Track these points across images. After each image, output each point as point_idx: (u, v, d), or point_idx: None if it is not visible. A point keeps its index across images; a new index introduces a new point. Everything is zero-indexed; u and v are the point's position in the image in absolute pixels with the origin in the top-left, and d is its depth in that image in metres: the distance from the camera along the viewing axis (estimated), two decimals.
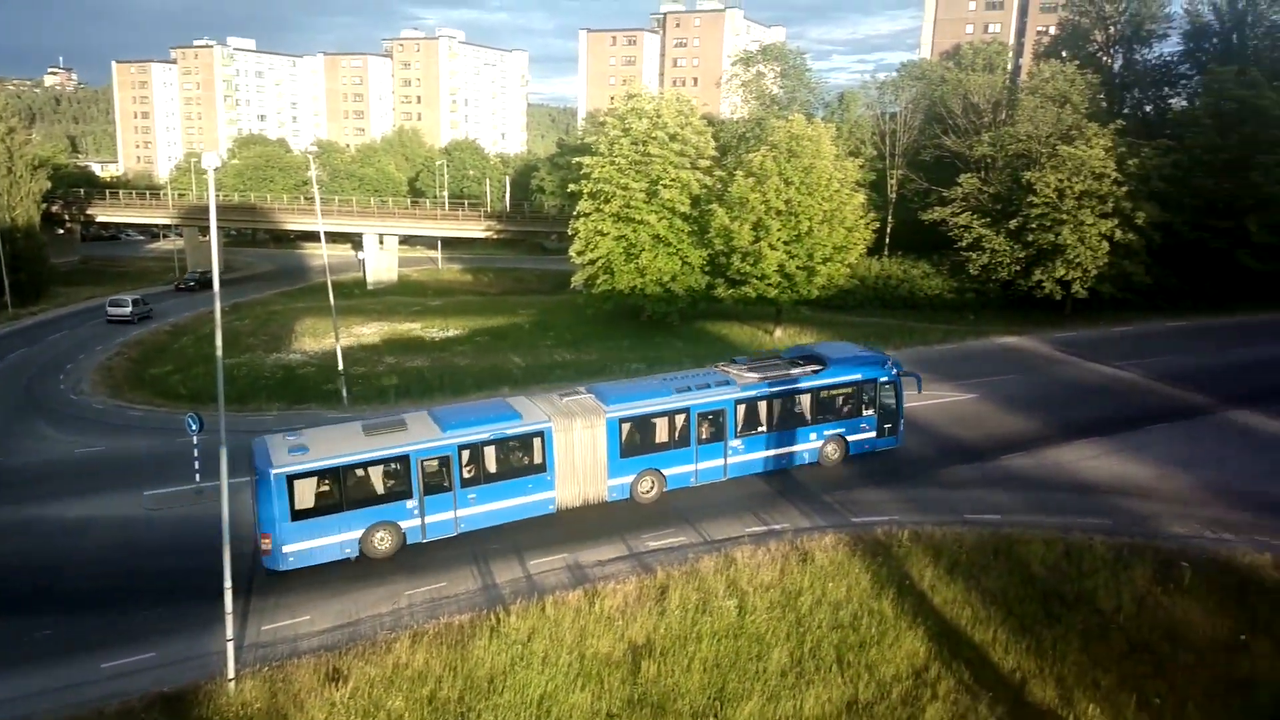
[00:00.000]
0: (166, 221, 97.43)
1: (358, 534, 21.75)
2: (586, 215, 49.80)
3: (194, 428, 25.94)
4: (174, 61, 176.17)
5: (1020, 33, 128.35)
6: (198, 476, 26.17)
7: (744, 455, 26.57)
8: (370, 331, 52.32)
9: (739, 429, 26.34)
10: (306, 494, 21.09)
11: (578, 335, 49.21)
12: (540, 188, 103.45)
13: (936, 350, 42.50)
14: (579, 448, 24.16)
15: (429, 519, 22.60)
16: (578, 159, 52.30)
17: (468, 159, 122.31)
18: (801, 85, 71.07)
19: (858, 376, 28.16)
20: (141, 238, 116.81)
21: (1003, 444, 28.92)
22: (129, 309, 60.97)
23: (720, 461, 26.29)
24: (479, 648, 17.01)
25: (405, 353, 45.56)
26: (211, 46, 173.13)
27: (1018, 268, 52.65)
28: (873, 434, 28.39)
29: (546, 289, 76.02)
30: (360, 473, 21.84)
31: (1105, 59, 74.27)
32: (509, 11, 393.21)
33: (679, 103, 51.51)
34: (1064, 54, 68.63)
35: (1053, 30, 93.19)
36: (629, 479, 25.07)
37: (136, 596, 19.97)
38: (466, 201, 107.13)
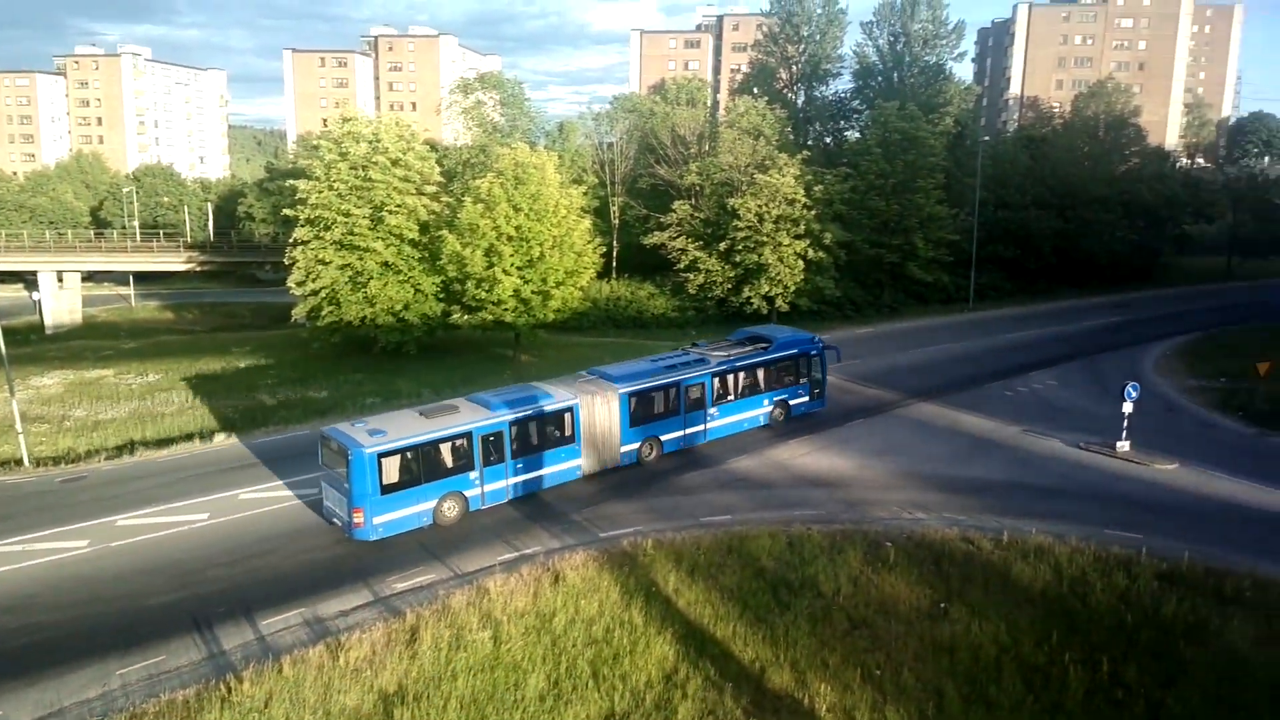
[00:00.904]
0: None
1: (432, 504, 24.53)
2: (305, 243, 46.93)
3: None
4: None
5: (716, 70, 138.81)
6: None
7: (719, 421, 31.50)
8: (52, 382, 45.70)
9: (714, 399, 31.23)
10: (392, 470, 23.61)
11: (303, 372, 46.02)
12: (249, 215, 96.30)
13: None
14: (598, 421, 27.95)
15: (487, 487, 25.66)
16: (291, 182, 49.25)
17: (161, 185, 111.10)
18: (522, 114, 72.01)
19: (795, 351, 33.86)
20: None
21: (729, 448, 30.82)
22: None
23: (702, 427, 31.06)
24: None
25: (98, 403, 40.25)
26: None
27: (730, 286, 56.74)
28: (806, 399, 34.31)
29: (263, 323, 70.65)
30: (434, 449, 24.56)
31: (790, 95, 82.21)
32: (202, 28, 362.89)
33: (399, 127, 50.08)
34: (755, 90, 75.17)
35: (744, 68, 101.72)
36: (635, 445, 29.22)
37: None
38: (162, 232, 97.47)
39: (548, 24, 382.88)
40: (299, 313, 49.49)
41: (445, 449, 24.75)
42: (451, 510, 24.84)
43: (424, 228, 47.65)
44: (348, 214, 45.92)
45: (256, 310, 77.96)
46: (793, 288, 54.47)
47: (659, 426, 29.77)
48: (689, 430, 30.63)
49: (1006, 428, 32.95)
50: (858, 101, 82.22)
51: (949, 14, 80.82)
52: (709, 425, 31.19)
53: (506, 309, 43.52)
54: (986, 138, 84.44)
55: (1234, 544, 22.42)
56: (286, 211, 48.67)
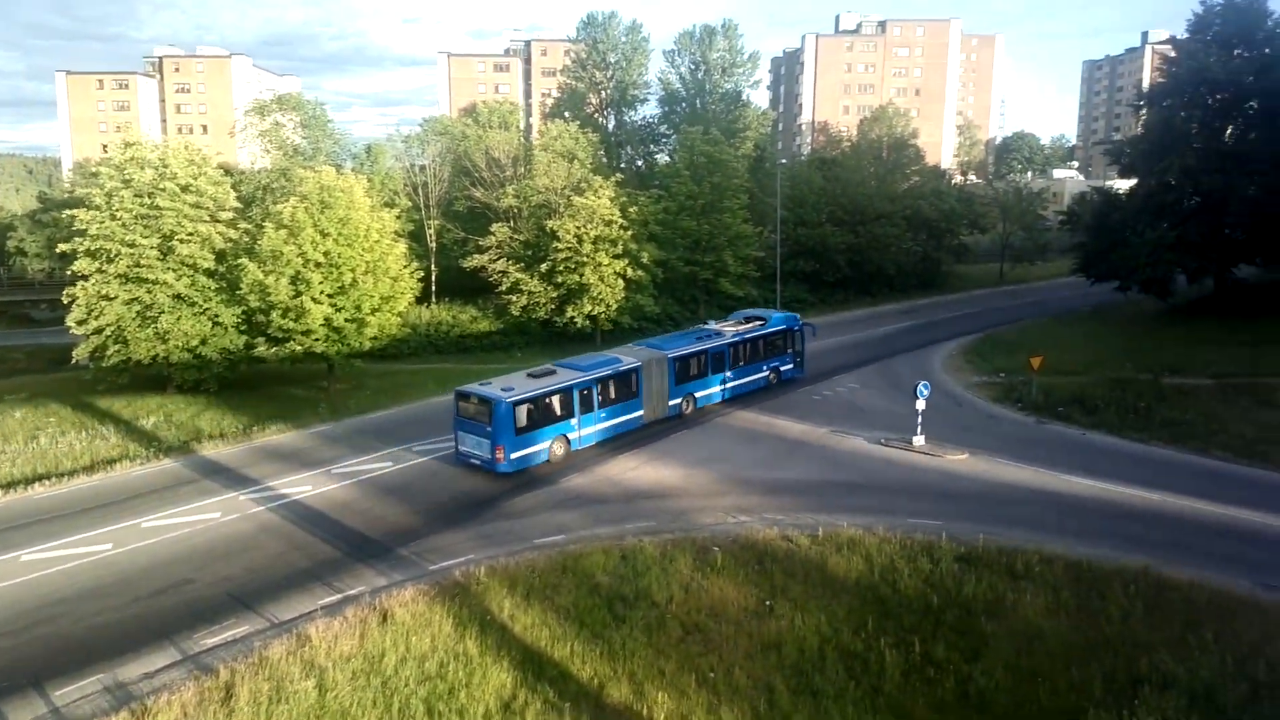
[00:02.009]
0: None
1: (547, 445, 30.76)
2: (86, 278, 42.87)
3: None
4: None
5: (527, 94, 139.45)
6: None
7: (733, 382, 38.70)
8: None
9: (730, 364, 38.27)
10: (522, 417, 29.69)
11: (89, 418, 41.87)
12: (21, 249, 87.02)
13: None
14: (654, 379, 34.77)
15: (583, 432, 32.06)
16: (69, 213, 44.88)
17: None
18: (325, 136, 69.18)
19: (784, 327, 41.35)
20: None
21: (561, 466, 30.75)
22: None
23: (720, 387, 38.14)
24: None
25: None
26: None
27: (553, 306, 56.79)
28: (792, 366, 41.99)
29: (41, 367, 63.71)
30: (548, 401, 30.79)
31: (601, 120, 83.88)
32: None
33: (189, 151, 46.74)
34: (567, 114, 76.05)
35: (555, 93, 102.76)
36: (678, 401, 36.17)
37: None
38: None
39: (348, 45, 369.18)
40: (81, 353, 45.02)
41: (555, 400, 30.98)
42: (559, 449, 31.14)
43: (220, 256, 44.73)
44: (133, 244, 42.35)
45: (33, 353, 70.16)
46: (614, 306, 55.23)
47: (693, 386, 36.81)
48: (713, 389, 37.71)
49: (817, 429, 34.73)
50: (665, 126, 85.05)
51: (744, 44, 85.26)
52: (727, 385, 38.32)
53: (317, 339, 41.50)
54: (784, 160, 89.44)
55: (1021, 524, 24.58)
56: (62, 247, 44.26)
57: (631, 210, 56.17)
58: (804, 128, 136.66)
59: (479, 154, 66.75)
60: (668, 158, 79.07)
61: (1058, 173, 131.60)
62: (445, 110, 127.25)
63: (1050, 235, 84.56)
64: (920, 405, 32.03)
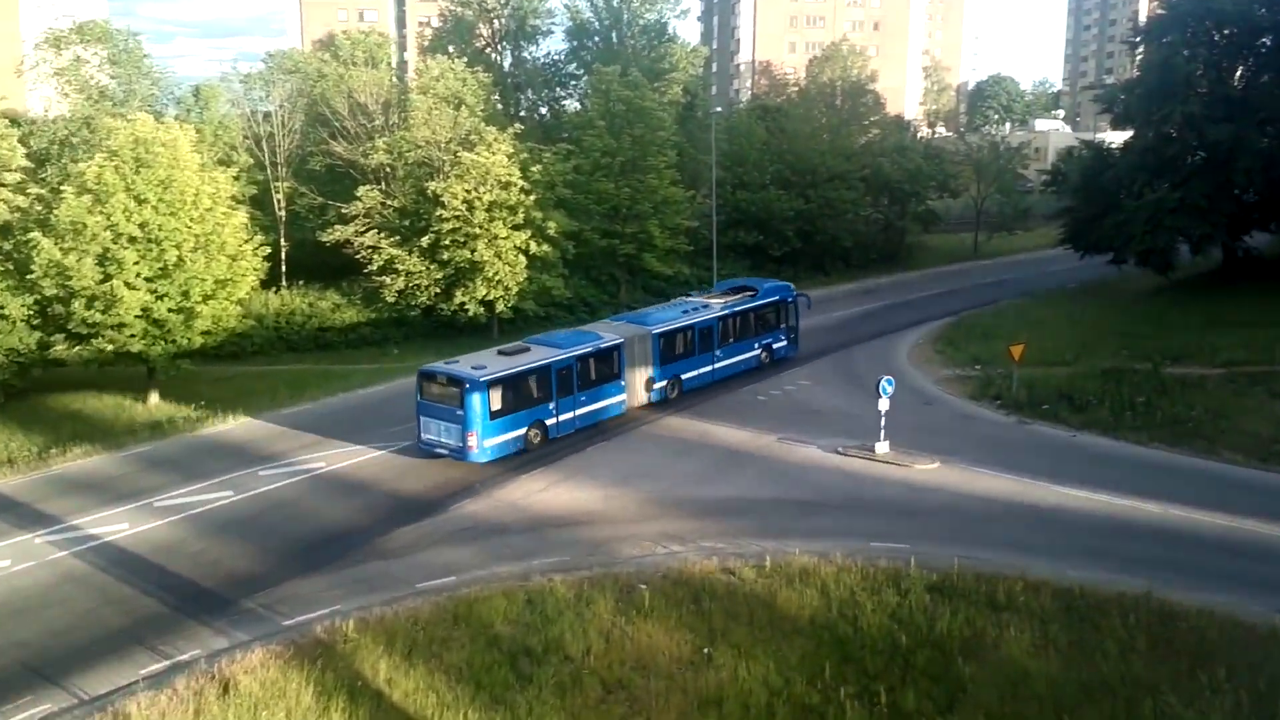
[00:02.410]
0: None
1: (523, 431, 32.91)
2: None
3: None
4: None
5: (401, 23, 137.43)
6: None
7: (723, 361, 41.11)
8: None
9: (719, 341, 40.73)
10: (496, 399, 31.56)
11: None
12: None
13: (360, 396, 43.10)
14: (637, 358, 37.08)
15: (561, 417, 34.15)
16: None
17: None
18: (140, 75, 66.85)
19: (776, 299, 44.20)
20: None
21: (450, 489, 30.63)
22: None
23: (711, 368, 40.59)
24: None
25: None
26: None
27: (438, 290, 55.89)
28: (785, 343, 44.91)
29: None
30: (524, 381, 32.89)
31: (495, 56, 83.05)
32: None
33: None
34: (451, 49, 75.07)
35: (435, 22, 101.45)
36: (664, 384, 38.46)
37: None
38: None
39: None
40: None
41: (532, 381, 33.18)
42: (537, 437, 33.34)
43: (5, 230, 43.16)
44: None
45: None
46: (515, 289, 54.64)
47: (680, 366, 39.17)
48: (701, 370, 40.16)
49: (762, 437, 35.13)
50: (574, 65, 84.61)
51: None
52: (716, 365, 40.76)
53: (133, 334, 40.32)
54: (719, 109, 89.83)
55: (1002, 545, 25.24)
56: None
57: (534, 169, 55.79)
58: (743, 69, 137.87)
59: (340, 98, 65.31)
60: (578, 104, 78.77)
61: (1040, 124, 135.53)
62: (296, 43, 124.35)
63: (1032, 199, 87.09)
64: (883, 405, 32.65)
